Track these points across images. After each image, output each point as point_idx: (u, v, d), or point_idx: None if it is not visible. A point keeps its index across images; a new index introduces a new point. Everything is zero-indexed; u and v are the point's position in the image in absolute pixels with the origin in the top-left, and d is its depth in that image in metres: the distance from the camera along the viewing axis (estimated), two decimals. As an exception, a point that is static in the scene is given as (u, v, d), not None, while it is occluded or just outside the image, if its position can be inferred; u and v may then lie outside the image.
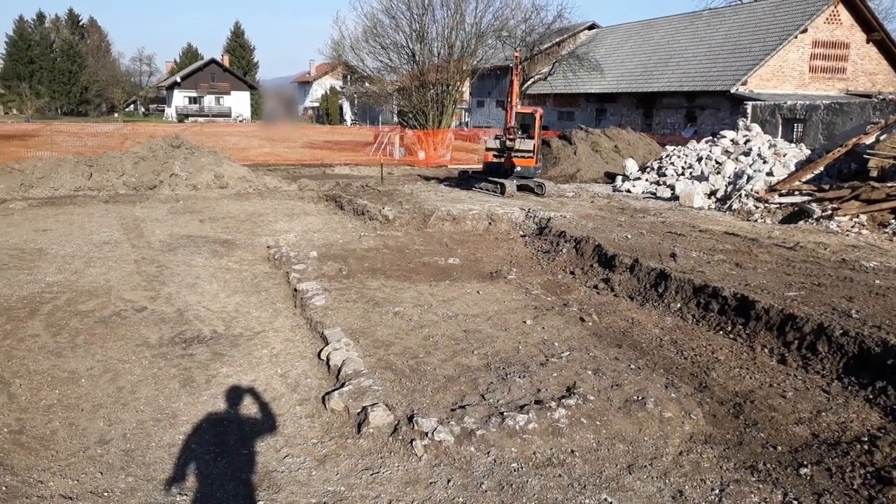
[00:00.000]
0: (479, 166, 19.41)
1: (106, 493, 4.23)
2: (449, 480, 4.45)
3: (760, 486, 4.42)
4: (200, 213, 14.01)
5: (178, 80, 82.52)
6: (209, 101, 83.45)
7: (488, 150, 17.57)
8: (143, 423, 5.16)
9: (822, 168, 14.99)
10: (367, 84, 38.32)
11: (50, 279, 8.79)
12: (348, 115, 78.04)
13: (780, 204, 13.96)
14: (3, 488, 4.20)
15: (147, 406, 5.44)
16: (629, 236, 11.23)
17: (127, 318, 7.40)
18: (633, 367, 6.37)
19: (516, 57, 16.56)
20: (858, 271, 8.90)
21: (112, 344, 6.66)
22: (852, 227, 12.21)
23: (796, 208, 13.61)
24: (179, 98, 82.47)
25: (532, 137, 16.81)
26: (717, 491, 4.37)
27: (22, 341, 6.60)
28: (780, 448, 4.91)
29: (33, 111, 67.63)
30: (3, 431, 4.92)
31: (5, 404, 5.33)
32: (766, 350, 6.84)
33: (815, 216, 12.92)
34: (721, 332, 7.41)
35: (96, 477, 4.41)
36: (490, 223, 13.32)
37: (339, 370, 6.02)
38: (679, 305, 8.23)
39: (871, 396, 5.64)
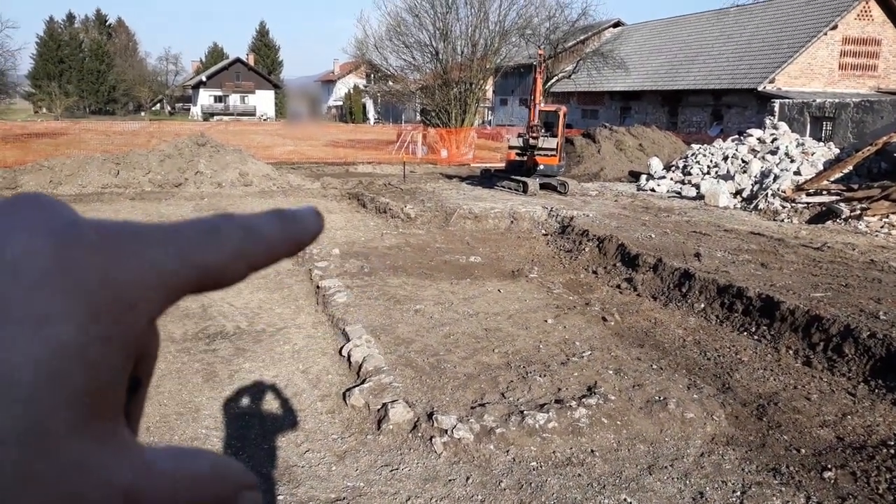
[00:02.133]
0: (502, 165, 19.38)
1: (129, 486, 4.29)
2: (468, 478, 4.45)
3: (783, 488, 4.37)
4: (225, 211, 14.12)
5: (204, 79, 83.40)
6: (234, 99, 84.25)
7: (511, 148, 17.52)
8: (166, 416, 5.23)
9: (851, 167, 14.75)
10: (390, 82, 38.45)
11: (77, 274, 8.91)
12: (372, 114, 78.34)
13: (808, 203, 13.76)
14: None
15: (170, 400, 5.50)
16: (653, 235, 11.14)
17: (152, 314, 7.49)
18: (655, 367, 6.32)
19: (540, 55, 16.52)
20: (887, 272, 8.75)
21: (137, 339, 6.74)
22: (882, 227, 12.01)
23: (824, 208, 13.41)
24: (205, 97, 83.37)
25: (555, 136, 16.73)
26: (738, 493, 4.32)
27: (49, 335, 6.71)
28: (803, 451, 4.84)
29: (62, 110, 68.84)
30: (31, 423, 5.00)
31: (33, 397, 5.42)
32: (790, 351, 6.75)
33: (843, 216, 12.72)
34: (745, 333, 7.33)
35: (120, 469, 4.47)
36: (512, 221, 13.29)
37: (360, 367, 6.05)
38: (703, 306, 8.15)
39: (898, 399, 5.54)
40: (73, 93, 76.50)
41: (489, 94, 50.57)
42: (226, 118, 74.44)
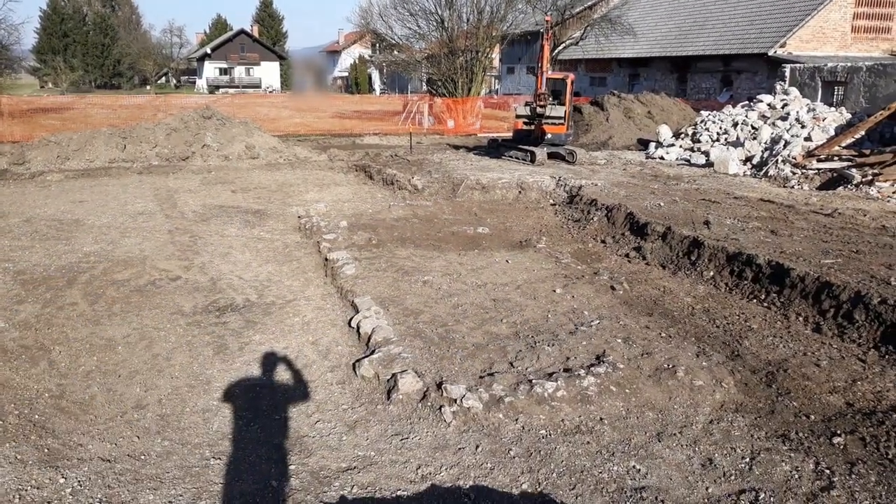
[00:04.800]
0: (509, 134, 19.23)
1: (142, 457, 4.35)
2: (477, 446, 4.49)
3: (792, 454, 4.38)
4: (232, 184, 14.14)
5: (209, 51, 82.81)
6: (239, 72, 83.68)
7: (518, 117, 17.36)
8: (177, 388, 5.28)
9: (863, 132, 14.55)
10: (395, 52, 38.11)
11: (87, 249, 8.97)
12: (377, 85, 77.74)
13: (819, 170, 13.61)
14: (46, 450, 4.34)
15: (182, 372, 5.55)
16: (662, 204, 11.07)
17: (162, 287, 7.54)
18: (663, 335, 6.31)
19: (547, 21, 16.25)
20: (899, 238, 8.67)
21: (147, 312, 6.79)
22: (894, 192, 11.88)
23: (835, 174, 13.27)
24: (210, 69, 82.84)
25: (563, 104, 16.56)
26: (747, 459, 4.34)
27: (61, 310, 6.77)
28: (812, 417, 4.85)
29: (68, 84, 68.59)
30: (45, 396, 5.07)
31: (46, 370, 5.48)
32: (800, 318, 6.73)
33: (854, 182, 12.59)
34: (754, 301, 7.31)
35: (133, 441, 4.53)
36: (520, 192, 13.22)
37: (369, 338, 6.07)
38: (712, 273, 8.12)
39: (908, 365, 5.53)
40: (78, 67, 76.13)
41: (496, 62, 50.08)
42: (231, 91, 73.99)
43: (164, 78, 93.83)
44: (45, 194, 12.81)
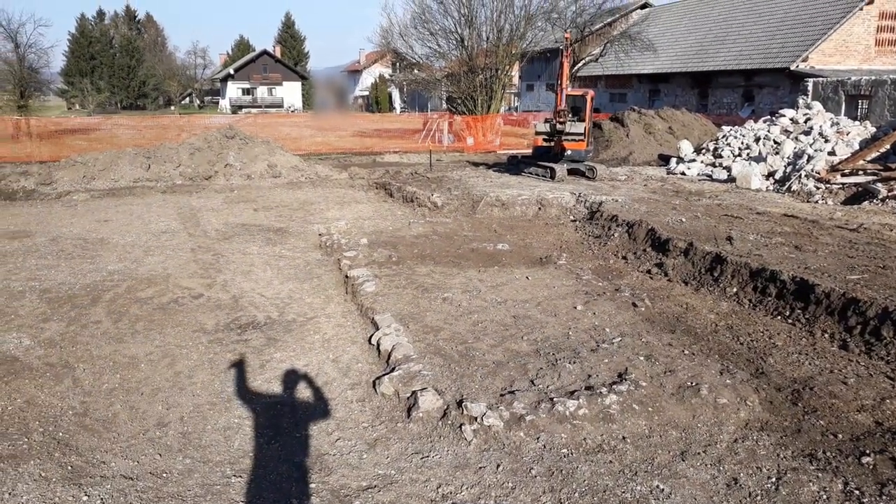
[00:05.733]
0: (529, 151, 19.23)
1: (164, 474, 4.37)
2: (498, 465, 4.45)
3: (820, 474, 4.29)
4: (254, 202, 14.27)
5: (232, 72, 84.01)
6: (262, 92, 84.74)
7: (538, 133, 17.38)
8: (199, 406, 5.31)
9: (888, 146, 14.36)
10: (415, 71, 38.39)
11: (111, 268, 9.09)
12: (398, 103, 78.27)
13: (843, 184, 13.45)
14: (70, 468, 4.38)
15: (203, 390, 5.58)
16: (683, 220, 10.98)
17: (184, 305, 7.60)
18: (686, 352, 6.24)
19: (567, 38, 16.31)
20: (927, 253, 8.52)
21: (170, 330, 6.85)
22: (920, 207, 11.69)
23: (860, 188, 13.09)
24: (233, 90, 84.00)
25: (583, 120, 16.56)
26: (773, 479, 4.26)
27: (85, 328, 6.85)
28: (840, 436, 4.75)
29: (94, 106, 69.88)
30: (69, 414, 5.12)
31: (70, 388, 5.54)
32: (826, 335, 6.62)
33: (880, 196, 12.41)
34: (779, 317, 7.20)
35: (155, 458, 4.56)
36: (540, 208, 13.20)
37: (390, 355, 6.07)
38: (735, 290, 8.02)
39: (939, 383, 5.41)
40: (104, 89, 77.60)
41: (515, 79, 50.20)
42: (254, 110, 74.85)
43: (188, 98, 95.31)
44: (72, 213, 13.02)
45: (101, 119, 39.62)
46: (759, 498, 4.07)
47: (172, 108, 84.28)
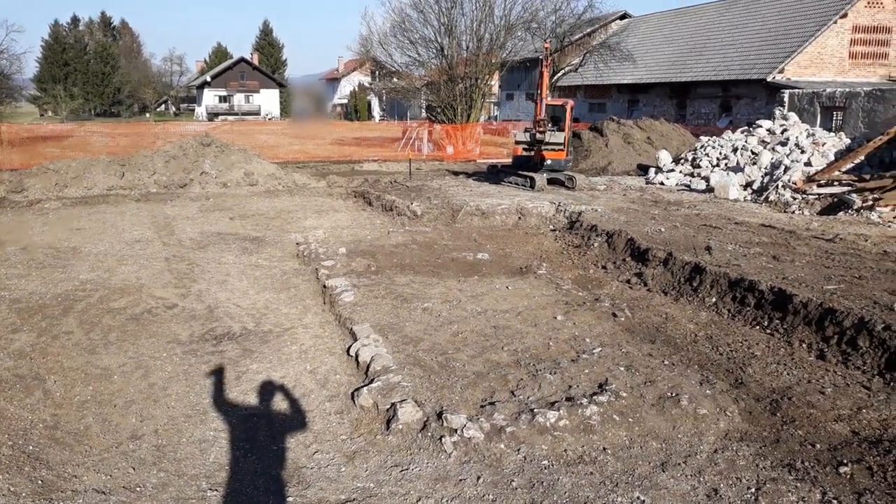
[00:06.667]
0: (509, 160, 19.28)
1: (138, 488, 4.26)
2: (479, 478, 4.40)
3: (798, 484, 4.29)
4: (230, 211, 14.13)
5: (209, 79, 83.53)
6: (239, 99, 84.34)
7: (518, 143, 17.42)
8: (174, 419, 5.20)
9: (862, 157, 14.59)
10: (395, 79, 38.43)
11: (83, 277, 8.92)
12: (377, 111, 78.27)
13: (819, 195, 13.62)
14: (40, 482, 4.25)
15: (178, 402, 5.47)
16: (663, 229, 11.04)
17: (158, 316, 7.47)
18: (666, 363, 6.24)
19: (546, 48, 16.39)
20: (901, 263, 8.62)
21: (144, 341, 6.72)
22: (895, 217, 11.86)
23: (836, 199, 13.27)
24: (209, 97, 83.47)
25: (562, 130, 16.64)
26: (753, 490, 4.25)
27: (56, 338, 6.70)
28: (818, 446, 4.76)
29: (68, 112, 69.01)
30: (39, 427, 4.98)
31: (41, 400, 5.40)
32: (804, 345, 6.66)
33: (855, 207, 12.59)
34: (758, 327, 7.24)
35: (129, 472, 4.45)
36: (519, 218, 13.21)
37: (368, 366, 6.00)
38: (714, 300, 8.06)
39: (915, 392, 5.45)
40: (78, 95, 76.72)
41: (495, 89, 50.42)
42: (230, 118, 74.47)
43: (163, 105, 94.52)
44: (43, 222, 12.79)
45: (74, 126, 39.12)
46: (740, 509, 4.06)
47: (148, 115, 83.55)
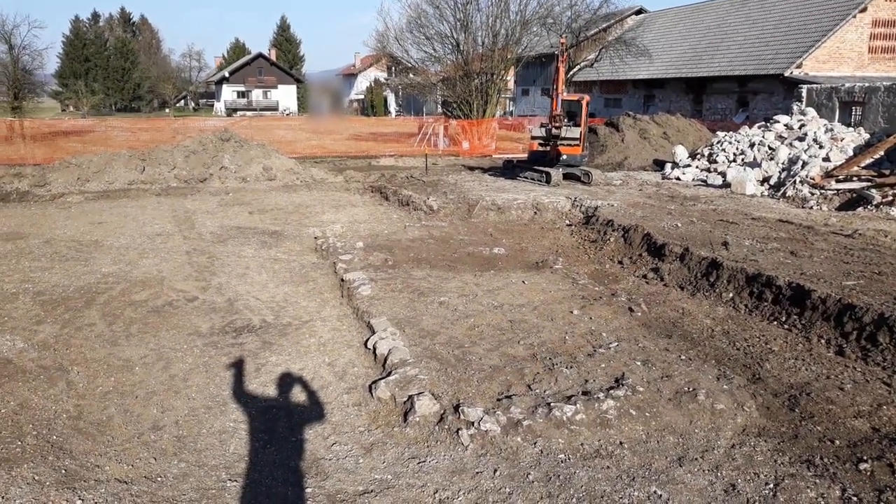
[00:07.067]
0: (524, 155, 19.25)
1: (159, 478, 4.33)
2: (495, 470, 4.43)
3: (817, 480, 4.29)
4: (249, 205, 14.23)
5: (227, 74, 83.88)
6: (257, 94, 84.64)
7: (534, 138, 17.40)
8: (194, 410, 5.27)
9: (882, 152, 14.42)
10: (411, 75, 38.41)
11: (105, 270, 9.04)
12: (393, 107, 78.30)
13: (838, 190, 13.49)
14: (63, 471, 4.34)
15: (198, 394, 5.54)
16: (679, 224, 11.00)
17: (179, 308, 7.56)
18: (683, 358, 6.24)
19: (562, 44, 16.36)
20: (921, 259, 8.54)
21: (165, 333, 6.81)
22: (915, 213, 11.74)
23: (854, 195, 13.14)
24: (228, 92, 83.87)
25: (578, 125, 16.58)
26: (771, 485, 4.25)
27: (79, 330, 6.81)
28: (837, 442, 4.75)
29: (89, 108, 69.66)
30: (63, 417, 5.07)
31: (64, 391, 5.50)
32: (822, 341, 6.62)
33: (874, 202, 12.46)
34: (775, 323, 7.21)
35: (150, 462, 4.52)
36: (535, 212, 13.21)
37: (386, 359, 6.05)
38: (731, 295, 8.03)
39: (935, 389, 5.41)
40: (99, 91, 77.37)
41: (510, 84, 50.26)
42: (249, 113, 74.82)
43: (182, 101, 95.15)
44: (65, 216, 12.96)
45: (95, 121, 39.51)
46: (756, 504, 4.06)
47: (167, 110, 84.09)
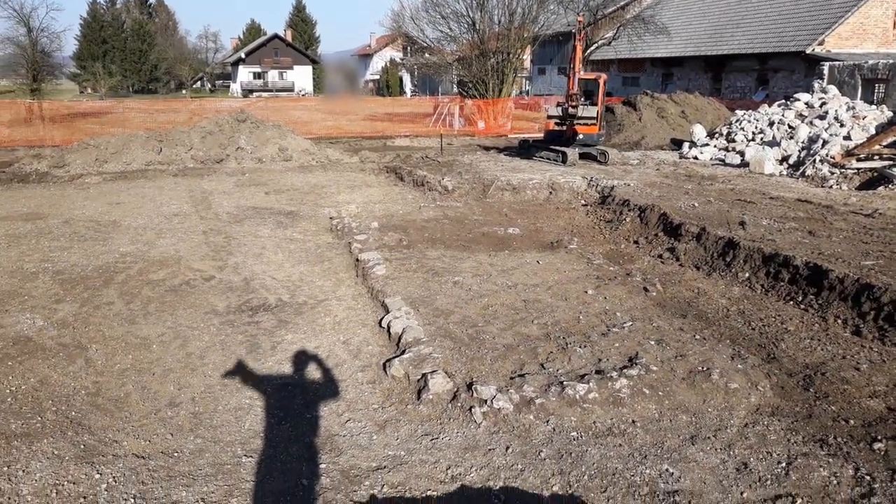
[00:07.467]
0: (540, 135, 19.12)
1: (176, 454, 4.40)
2: (508, 448, 4.46)
3: (830, 459, 4.27)
4: (265, 186, 14.29)
5: (243, 55, 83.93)
6: (273, 75, 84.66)
7: (550, 118, 17.28)
8: (210, 387, 5.34)
9: (904, 131, 14.17)
10: (426, 55, 38.23)
11: (123, 250, 9.13)
12: (408, 87, 78.00)
13: (858, 169, 13.30)
14: (82, 446, 4.42)
15: (215, 371, 5.61)
16: (696, 204, 10.91)
17: (196, 287, 7.64)
18: (697, 337, 6.22)
19: (579, 22, 16.16)
20: (943, 239, 8.42)
21: (182, 311, 6.89)
22: (937, 192, 11.55)
23: (876, 174, 12.95)
24: (244, 73, 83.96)
25: (595, 104, 16.43)
26: (783, 464, 4.24)
27: (98, 309, 6.90)
28: (852, 422, 4.72)
29: (106, 90, 70.04)
30: (81, 393, 5.16)
31: (83, 368, 5.59)
32: (839, 321, 6.57)
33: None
34: (791, 303, 7.16)
35: (167, 438, 4.59)
36: (551, 192, 13.15)
37: (400, 338, 6.08)
38: (747, 275, 7.97)
39: (953, 369, 5.36)
40: (116, 72, 77.73)
41: (527, 63, 49.87)
42: (265, 94, 74.88)
43: (199, 82, 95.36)
44: (84, 196, 13.08)
45: (112, 103, 39.71)
46: (768, 482, 4.06)
47: (184, 91, 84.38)
